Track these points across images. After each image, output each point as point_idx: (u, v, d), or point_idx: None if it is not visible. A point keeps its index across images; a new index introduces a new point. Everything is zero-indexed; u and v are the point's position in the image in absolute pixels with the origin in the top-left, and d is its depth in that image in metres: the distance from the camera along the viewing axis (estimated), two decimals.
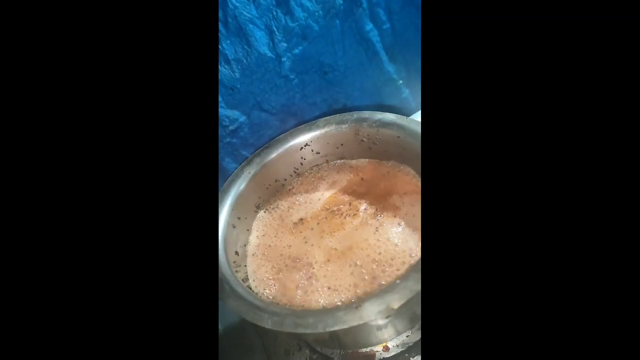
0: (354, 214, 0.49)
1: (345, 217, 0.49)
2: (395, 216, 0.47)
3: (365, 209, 0.49)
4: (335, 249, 0.45)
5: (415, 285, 0.31)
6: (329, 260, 0.44)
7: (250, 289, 0.41)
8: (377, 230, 0.46)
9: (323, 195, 0.54)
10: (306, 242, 0.48)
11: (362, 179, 0.55)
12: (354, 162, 0.59)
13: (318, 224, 0.49)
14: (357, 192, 0.54)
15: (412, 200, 0.49)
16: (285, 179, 0.60)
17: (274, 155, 0.55)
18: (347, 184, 0.56)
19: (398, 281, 0.32)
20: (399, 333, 0.43)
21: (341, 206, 0.51)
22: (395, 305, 0.31)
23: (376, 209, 0.49)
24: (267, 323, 0.33)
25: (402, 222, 0.46)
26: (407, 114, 0.72)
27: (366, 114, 0.55)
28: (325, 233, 0.48)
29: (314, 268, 0.43)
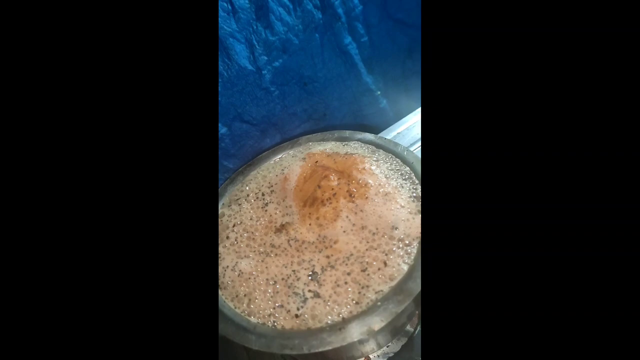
0: (334, 194, 0.44)
1: (330, 203, 0.44)
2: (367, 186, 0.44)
3: (338, 185, 0.45)
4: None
5: (395, 308, 0.33)
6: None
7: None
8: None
9: (289, 192, 0.49)
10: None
11: (316, 162, 0.52)
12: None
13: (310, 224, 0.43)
14: (319, 172, 0.49)
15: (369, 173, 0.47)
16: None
17: (255, 172, 0.55)
18: (303, 171, 0.51)
19: (379, 303, 0.34)
20: (380, 347, 0.45)
21: (315, 193, 0.46)
22: (377, 327, 0.32)
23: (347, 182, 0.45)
24: (254, 345, 0.34)
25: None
26: (386, 123, 0.74)
27: (347, 133, 0.56)
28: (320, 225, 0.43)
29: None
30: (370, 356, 0.45)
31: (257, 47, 0.57)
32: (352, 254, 0.39)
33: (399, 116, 0.74)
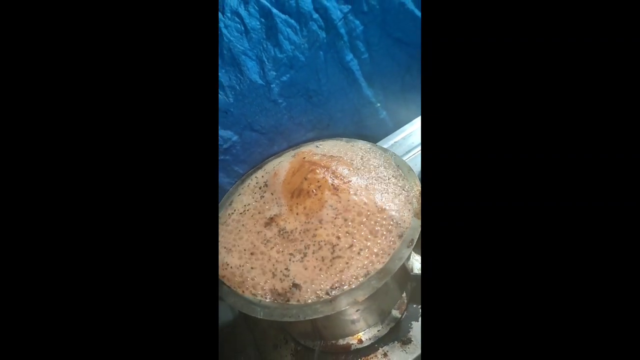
0: (319, 186, 0.47)
1: (315, 194, 0.47)
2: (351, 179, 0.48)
3: (324, 177, 0.48)
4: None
5: (377, 284, 0.38)
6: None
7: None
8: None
9: (278, 186, 0.51)
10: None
11: (304, 158, 0.54)
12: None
13: (297, 214, 0.46)
14: (307, 167, 0.51)
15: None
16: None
17: (259, 171, 0.60)
18: (292, 166, 0.53)
19: (362, 279, 0.39)
20: (369, 326, 0.50)
21: (302, 185, 0.48)
22: (360, 298, 0.38)
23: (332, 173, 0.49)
24: (260, 314, 0.39)
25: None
26: (385, 133, 0.78)
27: (343, 139, 0.61)
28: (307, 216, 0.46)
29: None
30: (362, 338, 0.50)
31: (267, 63, 0.63)
32: (336, 242, 0.43)
33: (398, 126, 0.79)
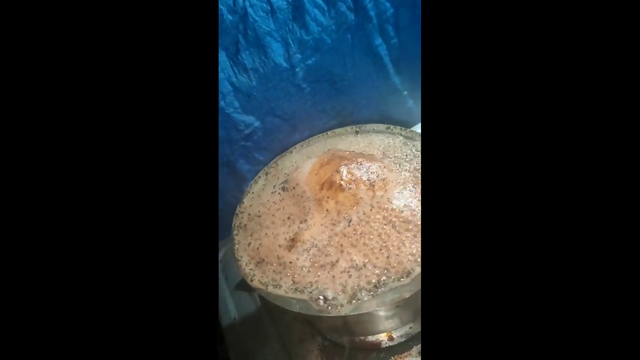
0: (354, 180, 0.43)
1: (349, 188, 0.43)
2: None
3: (359, 173, 0.44)
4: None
5: None
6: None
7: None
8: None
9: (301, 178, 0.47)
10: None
11: (333, 153, 0.49)
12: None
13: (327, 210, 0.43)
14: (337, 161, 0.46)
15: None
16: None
17: (280, 163, 0.57)
18: (320, 159, 0.48)
19: (406, 278, 0.37)
20: (403, 323, 0.48)
21: (332, 177, 0.44)
22: (407, 295, 0.35)
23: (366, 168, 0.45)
24: (296, 307, 0.37)
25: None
26: (411, 122, 0.76)
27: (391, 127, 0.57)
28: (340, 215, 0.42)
29: None
30: (393, 335, 0.48)
31: (292, 45, 0.60)
32: (376, 242, 0.40)
33: None
